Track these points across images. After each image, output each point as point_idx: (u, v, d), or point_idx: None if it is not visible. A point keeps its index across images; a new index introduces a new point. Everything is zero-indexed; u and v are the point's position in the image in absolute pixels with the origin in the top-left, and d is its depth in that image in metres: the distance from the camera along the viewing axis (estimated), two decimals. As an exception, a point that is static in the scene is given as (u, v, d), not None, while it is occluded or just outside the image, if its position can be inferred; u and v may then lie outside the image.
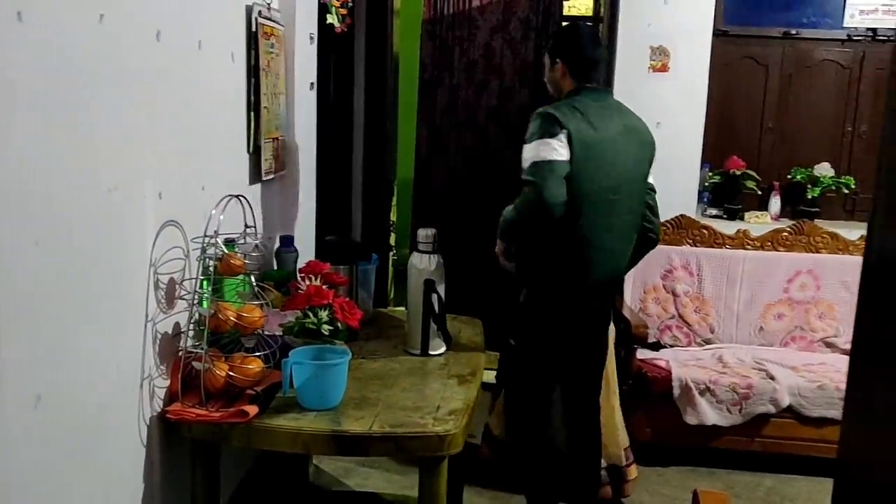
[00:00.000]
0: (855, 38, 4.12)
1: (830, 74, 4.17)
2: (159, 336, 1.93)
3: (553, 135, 2.43)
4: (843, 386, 3.12)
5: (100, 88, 1.60)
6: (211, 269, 1.99)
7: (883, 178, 0.73)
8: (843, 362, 3.16)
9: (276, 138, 2.78)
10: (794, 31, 4.13)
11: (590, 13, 4.81)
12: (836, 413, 3.30)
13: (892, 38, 4.03)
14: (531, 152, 2.47)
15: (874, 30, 4.08)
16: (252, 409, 1.91)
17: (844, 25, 4.12)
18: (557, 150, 2.43)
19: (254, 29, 2.51)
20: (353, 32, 4.14)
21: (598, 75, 2.66)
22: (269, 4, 2.64)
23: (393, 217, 4.83)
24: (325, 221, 3.53)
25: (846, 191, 4.15)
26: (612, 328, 3.10)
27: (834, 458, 1.31)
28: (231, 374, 1.95)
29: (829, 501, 1.05)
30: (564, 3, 4.64)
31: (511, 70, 4.55)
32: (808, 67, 4.17)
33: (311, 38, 3.13)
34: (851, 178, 4.13)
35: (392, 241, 4.86)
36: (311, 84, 3.18)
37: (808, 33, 4.14)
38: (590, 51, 2.62)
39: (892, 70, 0.74)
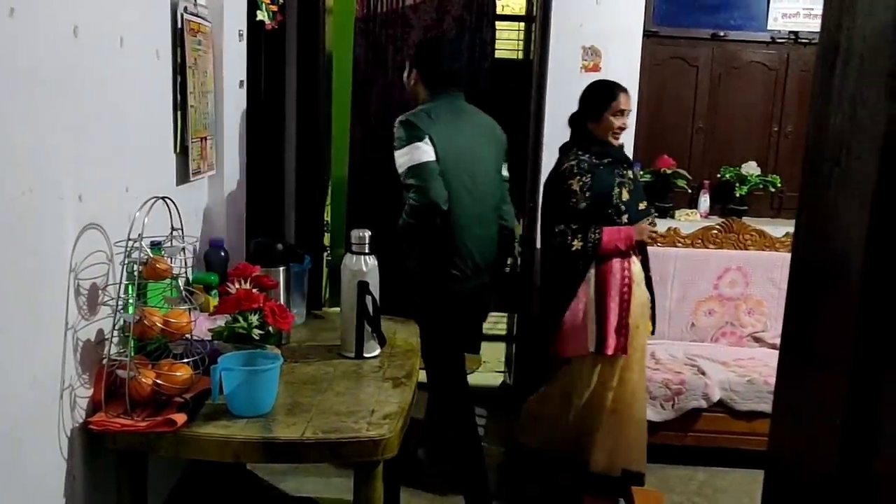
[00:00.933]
0: (779, 40, 4.22)
1: (757, 75, 4.27)
2: (81, 344, 1.85)
3: (420, 139, 2.79)
4: (772, 380, 3.17)
5: (11, 86, 1.52)
6: (135, 273, 1.92)
7: (808, 180, 0.74)
8: (771, 357, 3.23)
9: (205, 138, 2.71)
10: (721, 33, 4.22)
11: (523, 12, 4.83)
12: (765, 406, 3.38)
13: (813, 42, 4.14)
14: (404, 157, 2.80)
15: (796, 33, 4.19)
16: (180, 418, 1.85)
17: (769, 28, 4.22)
18: (427, 151, 2.77)
19: (179, 25, 2.44)
20: (284, 30, 4.07)
21: (453, 85, 2.98)
22: (195, 0, 2.57)
23: (327, 217, 4.77)
24: (257, 223, 3.46)
25: (773, 189, 4.25)
26: (645, 342, 3.14)
27: (764, 450, 1.33)
28: (158, 381, 1.89)
29: (761, 492, 1.07)
30: (498, 2, 4.65)
31: (445, 69, 4.54)
32: (735, 68, 4.26)
33: (241, 35, 3.06)
34: (777, 177, 4.24)
35: (327, 241, 4.80)
36: (241, 82, 3.11)
37: (735, 35, 4.23)
38: (445, 65, 2.98)
39: (815, 74, 0.75)
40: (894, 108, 0.61)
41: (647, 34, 4.13)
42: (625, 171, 3.09)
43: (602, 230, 2.98)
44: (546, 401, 3.24)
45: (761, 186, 4.23)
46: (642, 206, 3.12)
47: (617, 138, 3.09)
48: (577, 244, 2.98)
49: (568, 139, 3.22)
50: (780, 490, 0.81)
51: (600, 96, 3.09)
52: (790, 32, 4.21)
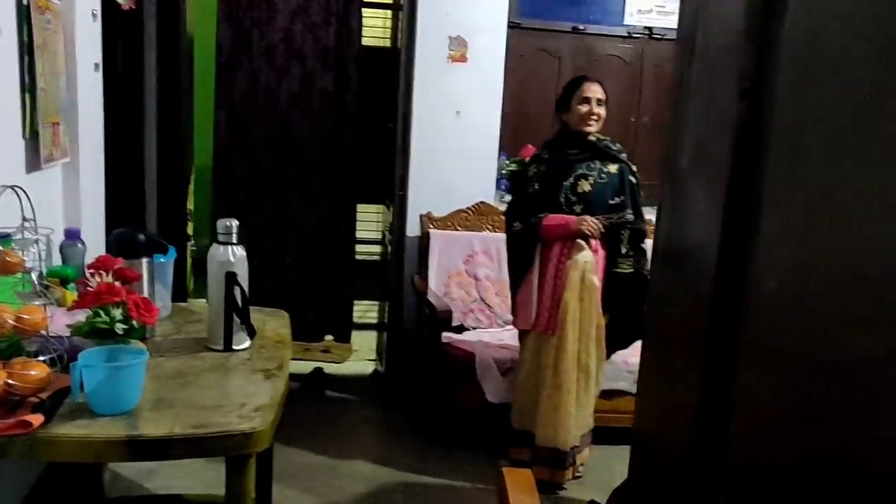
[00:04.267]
0: (634, 35, 4.42)
1: (615, 68, 4.46)
2: (-79, 344, 1.72)
3: None
4: (630, 360, 3.32)
5: None
6: (-18, 267, 1.80)
7: (668, 171, 0.79)
8: (629, 337, 3.40)
9: (57, 123, 2.57)
10: (581, 27, 4.37)
11: (389, 0, 4.82)
12: (624, 385, 3.55)
13: (665, 38, 4.36)
14: None
15: (650, 28, 4.41)
16: (36, 419, 1.75)
17: (625, 23, 4.42)
18: None
19: (25, 2, 2.29)
20: (142, 11, 3.89)
21: None
22: (43, -23, 2.42)
23: (190, 206, 4.62)
24: (117, 212, 3.31)
25: (630, 177, 4.45)
26: (602, 319, 3.18)
27: (624, 426, 1.38)
28: (9, 381, 1.78)
29: (621, 465, 1.13)
30: (365, -11, 4.62)
31: (313, 55, 4.48)
32: (595, 61, 4.43)
33: (94, 15, 2.91)
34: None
35: (190, 230, 4.66)
36: (96, 65, 2.96)
37: (593, 29, 4.40)
38: None
39: (674, 70, 0.79)
40: (743, 107, 0.66)
41: (511, 26, 4.23)
42: (596, 165, 3.20)
43: (544, 216, 3.13)
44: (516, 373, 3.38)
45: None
46: (616, 200, 3.21)
47: (589, 125, 3.19)
48: (517, 225, 3.21)
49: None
50: (644, 462, 0.87)
51: (568, 87, 3.26)
52: (645, 28, 4.42)
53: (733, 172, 0.66)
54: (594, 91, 3.20)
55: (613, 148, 3.27)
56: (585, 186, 3.17)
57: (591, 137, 3.20)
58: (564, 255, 3.13)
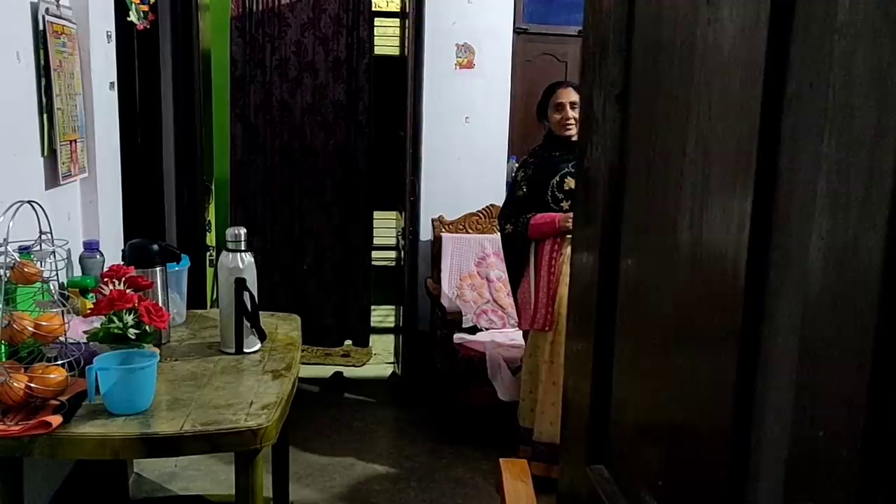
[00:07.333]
0: (640, 35, 4.48)
1: (621, 69, 4.51)
2: (-53, 351, 1.84)
3: None
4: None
5: None
6: (3, 277, 1.91)
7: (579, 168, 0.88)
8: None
9: (74, 140, 2.69)
10: (587, 30, 4.43)
11: (397, 9, 4.92)
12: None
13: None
14: None
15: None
16: (55, 420, 1.85)
17: (631, 24, 4.47)
18: None
19: (41, 27, 2.42)
20: (157, 29, 4.03)
21: None
22: (57, 2, 2.55)
23: (210, 217, 4.75)
24: (137, 224, 3.43)
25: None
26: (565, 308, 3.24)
27: None
28: (31, 385, 1.89)
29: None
30: (375, -1, 4.73)
31: (324, 67, 4.59)
32: (601, 63, 4.48)
33: (109, 36, 3.04)
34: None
35: (212, 241, 4.78)
36: (112, 84, 3.09)
37: (599, 31, 4.45)
38: None
39: (581, 80, 0.87)
40: (619, 109, 0.74)
41: (518, 31, 4.30)
42: None
43: (532, 216, 3.25)
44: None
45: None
46: None
47: (567, 129, 3.27)
48: (509, 227, 3.32)
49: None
50: (570, 425, 0.99)
51: (544, 96, 3.35)
52: (650, 28, 4.47)
53: (612, 167, 0.74)
54: (567, 96, 3.27)
55: None
56: (572, 184, 3.24)
57: (575, 138, 3.26)
58: (556, 252, 3.21)
